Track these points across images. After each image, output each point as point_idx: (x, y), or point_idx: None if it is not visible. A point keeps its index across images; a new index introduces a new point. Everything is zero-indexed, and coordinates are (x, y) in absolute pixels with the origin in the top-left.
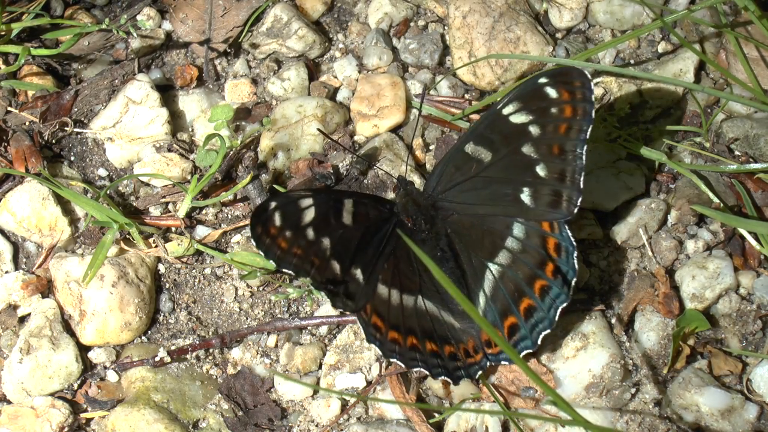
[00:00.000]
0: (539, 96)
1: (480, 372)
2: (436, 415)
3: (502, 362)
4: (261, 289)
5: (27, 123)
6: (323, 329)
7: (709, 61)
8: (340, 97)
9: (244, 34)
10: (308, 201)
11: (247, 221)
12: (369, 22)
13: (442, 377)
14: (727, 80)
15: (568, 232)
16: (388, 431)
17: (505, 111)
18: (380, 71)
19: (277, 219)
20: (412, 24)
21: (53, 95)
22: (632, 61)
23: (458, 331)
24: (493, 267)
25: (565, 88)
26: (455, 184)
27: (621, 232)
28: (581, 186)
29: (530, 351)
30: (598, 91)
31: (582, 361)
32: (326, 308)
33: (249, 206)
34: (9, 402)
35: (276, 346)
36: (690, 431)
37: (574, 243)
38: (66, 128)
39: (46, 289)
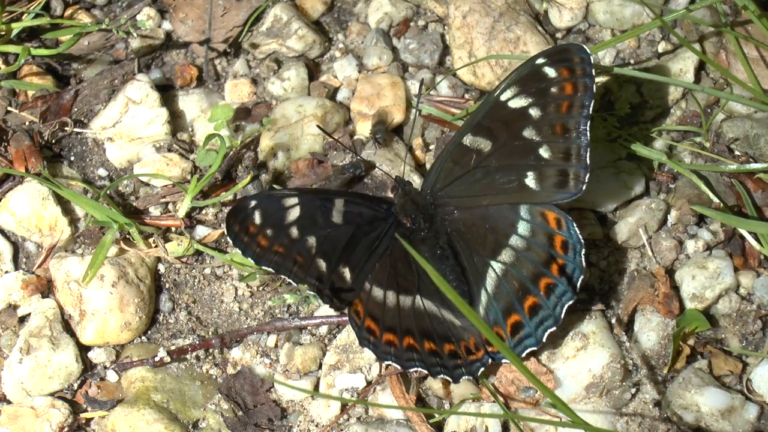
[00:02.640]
0: (538, 77)
1: (482, 369)
2: (436, 414)
3: (503, 361)
4: (261, 289)
5: (27, 123)
6: (323, 329)
7: (709, 61)
8: (340, 97)
9: (244, 34)
10: (293, 200)
11: None
12: (369, 22)
13: (442, 376)
14: (727, 80)
15: (577, 230)
16: (388, 431)
17: (503, 97)
18: (380, 71)
19: (257, 217)
20: (412, 24)
21: (53, 95)
22: (632, 61)
23: (459, 329)
24: (496, 265)
25: (565, 65)
26: (454, 179)
27: (621, 232)
28: (588, 162)
29: (534, 348)
30: (597, 92)
31: (582, 361)
32: (326, 308)
33: None
34: (9, 402)
35: (276, 346)
36: (690, 431)
37: (582, 241)
38: (66, 128)
39: (46, 289)
